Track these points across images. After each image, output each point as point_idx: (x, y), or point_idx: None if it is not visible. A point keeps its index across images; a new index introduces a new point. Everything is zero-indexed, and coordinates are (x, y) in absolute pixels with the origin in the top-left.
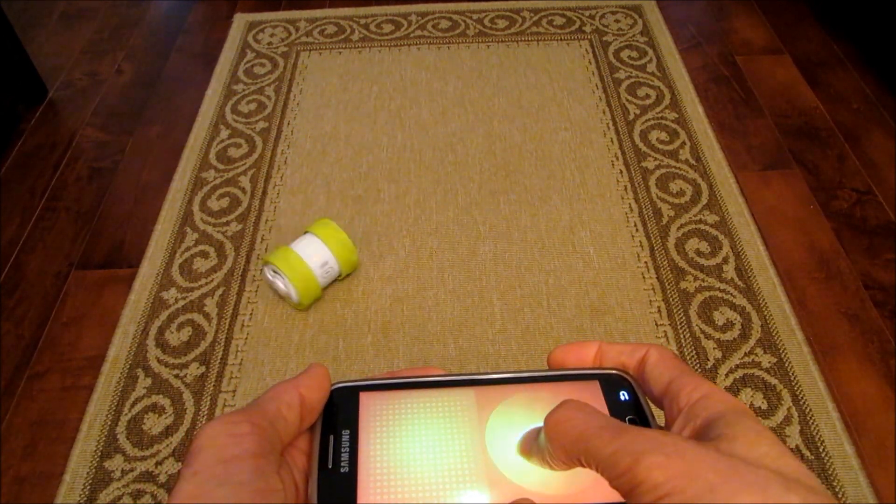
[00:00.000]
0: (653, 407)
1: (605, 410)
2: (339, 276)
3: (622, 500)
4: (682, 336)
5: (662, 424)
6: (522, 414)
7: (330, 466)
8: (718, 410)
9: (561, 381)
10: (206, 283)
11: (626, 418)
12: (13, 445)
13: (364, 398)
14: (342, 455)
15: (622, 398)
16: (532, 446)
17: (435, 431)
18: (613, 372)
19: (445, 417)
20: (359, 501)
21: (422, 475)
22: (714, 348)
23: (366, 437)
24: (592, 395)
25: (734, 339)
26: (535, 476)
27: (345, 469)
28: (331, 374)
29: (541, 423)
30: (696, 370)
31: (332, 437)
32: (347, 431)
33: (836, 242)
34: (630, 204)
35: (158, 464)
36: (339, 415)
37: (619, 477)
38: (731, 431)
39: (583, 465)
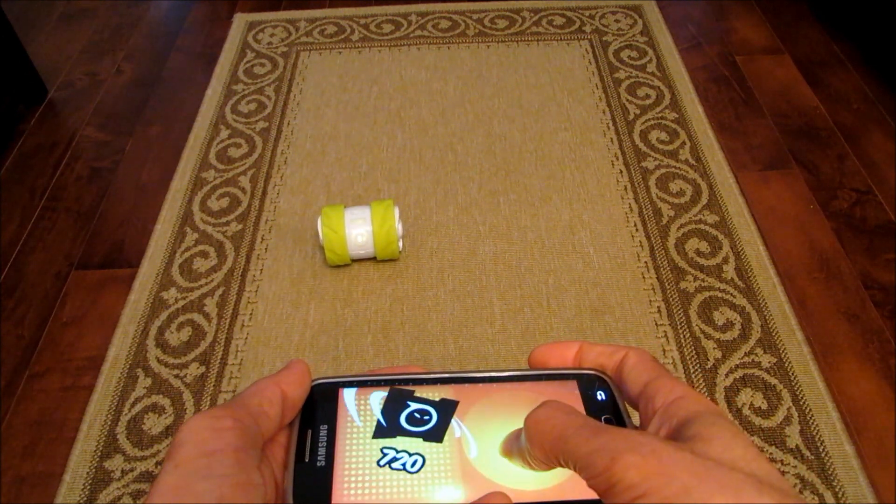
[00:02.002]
0: (629, 407)
1: (582, 409)
2: (375, 256)
3: (597, 497)
4: (681, 336)
5: (638, 424)
6: (500, 412)
7: (307, 460)
8: (694, 411)
9: (539, 380)
10: (206, 283)
11: (602, 417)
12: (13, 445)
13: (343, 394)
14: (319, 449)
15: (599, 398)
16: (513, 446)
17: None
18: (591, 372)
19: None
20: (333, 494)
21: (397, 470)
22: (714, 348)
23: (343, 433)
24: (570, 395)
25: (734, 339)
26: (511, 474)
27: (321, 462)
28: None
29: (520, 425)
30: (696, 370)
31: (310, 432)
32: (325, 426)
33: (836, 242)
34: (630, 204)
35: (158, 464)
36: (318, 410)
37: (597, 476)
38: (706, 432)
39: (562, 465)
